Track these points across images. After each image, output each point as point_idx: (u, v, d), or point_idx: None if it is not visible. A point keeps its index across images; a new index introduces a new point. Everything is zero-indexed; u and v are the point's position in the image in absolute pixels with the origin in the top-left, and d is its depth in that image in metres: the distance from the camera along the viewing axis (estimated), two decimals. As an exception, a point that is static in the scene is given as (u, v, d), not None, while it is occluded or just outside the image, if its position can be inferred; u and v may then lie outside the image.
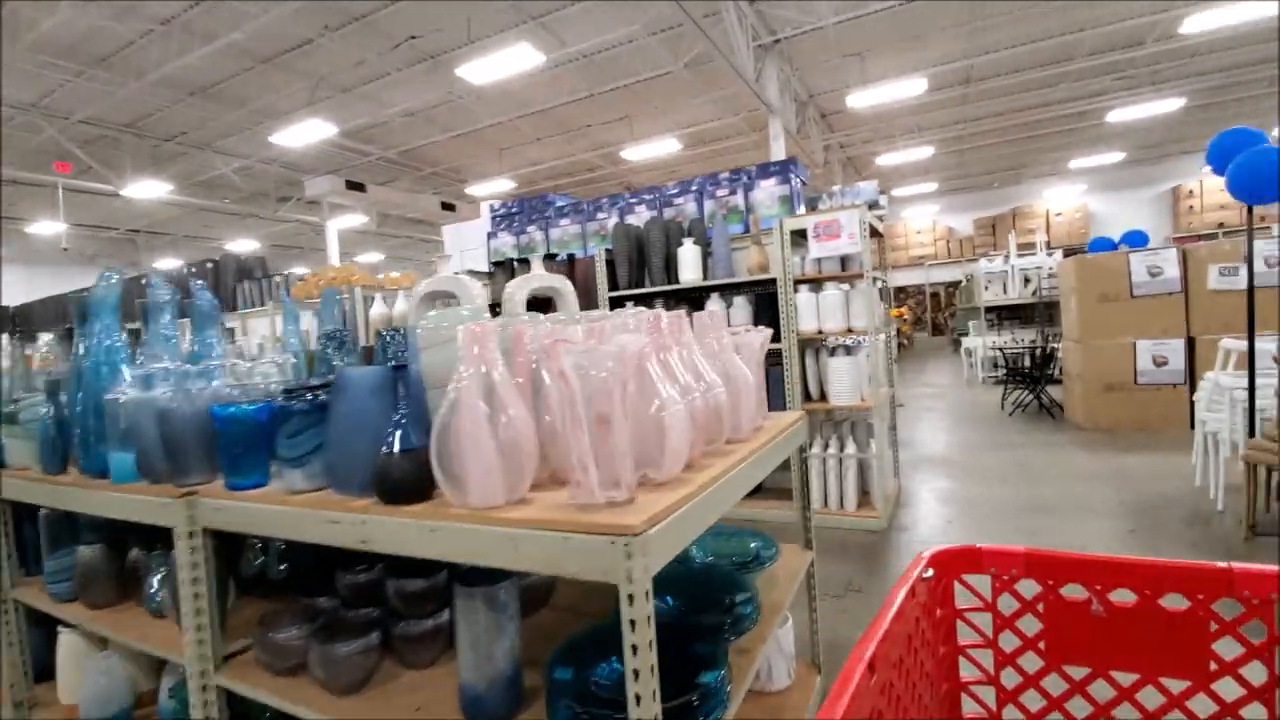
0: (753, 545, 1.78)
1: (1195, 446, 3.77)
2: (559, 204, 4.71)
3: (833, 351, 3.58)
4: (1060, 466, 4.51)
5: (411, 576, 1.33)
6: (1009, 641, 0.90)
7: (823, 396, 3.60)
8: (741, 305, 3.72)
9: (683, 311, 1.33)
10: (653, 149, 10.86)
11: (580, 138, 11.19)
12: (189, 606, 1.40)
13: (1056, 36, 8.78)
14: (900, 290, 17.92)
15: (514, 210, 4.86)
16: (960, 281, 14.56)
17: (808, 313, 3.49)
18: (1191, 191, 14.87)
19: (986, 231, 16.38)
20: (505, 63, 6.98)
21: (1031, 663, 0.89)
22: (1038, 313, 8.84)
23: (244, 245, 14.80)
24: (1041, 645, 0.88)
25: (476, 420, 1.00)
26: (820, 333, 3.49)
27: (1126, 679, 0.84)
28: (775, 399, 3.60)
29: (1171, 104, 10.57)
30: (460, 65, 7.28)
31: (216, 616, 1.43)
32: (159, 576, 1.69)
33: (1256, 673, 0.77)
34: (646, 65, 8.58)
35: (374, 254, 18.57)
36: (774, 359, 3.60)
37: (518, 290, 1.66)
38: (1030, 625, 0.89)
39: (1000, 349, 7.00)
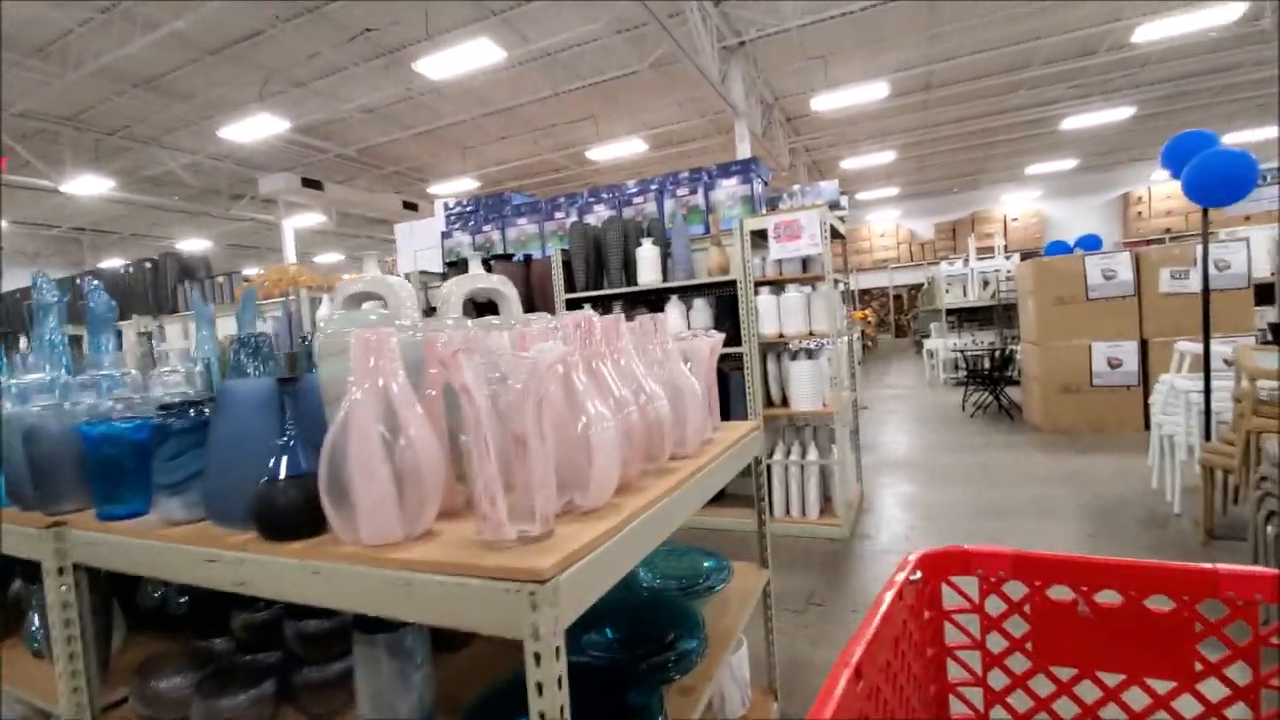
0: (705, 565, 1.66)
1: (1151, 449, 3.78)
2: (516, 202, 4.55)
3: (794, 355, 3.49)
4: (1020, 469, 4.50)
5: (314, 616, 1.18)
6: (996, 643, 0.89)
7: (784, 401, 3.51)
8: (701, 308, 3.61)
9: (620, 315, 1.20)
10: (618, 149, 10.74)
11: (545, 137, 11.01)
12: (62, 650, 1.22)
13: (1013, 45, 8.91)
14: (865, 293, 18.09)
15: (470, 209, 4.68)
16: (922, 284, 14.75)
17: (769, 315, 3.39)
18: (1140, 198, 15.33)
19: (947, 235, 16.65)
20: (465, 58, 6.79)
21: (1019, 664, 0.88)
22: (996, 315, 8.95)
23: (196, 244, 14.23)
24: (1029, 646, 0.88)
25: (369, 442, 0.85)
26: (781, 336, 3.40)
27: (1113, 679, 0.83)
28: (737, 404, 3.50)
29: (1122, 112, 10.82)
30: (419, 60, 7.05)
31: (95, 660, 1.25)
32: (39, 613, 1.50)
33: (1240, 674, 0.77)
34: (611, 64, 8.45)
35: (334, 254, 18.08)
36: (735, 363, 3.50)
37: (453, 292, 1.52)
38: (1017, 626, 0.88)
39: (961, 351, 7.04)
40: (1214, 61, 10.00)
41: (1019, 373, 6.62)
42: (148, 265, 5.72)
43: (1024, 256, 9.58)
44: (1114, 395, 5.32)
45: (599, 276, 3.83)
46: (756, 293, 3.42)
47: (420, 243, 4.81)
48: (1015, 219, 16.00)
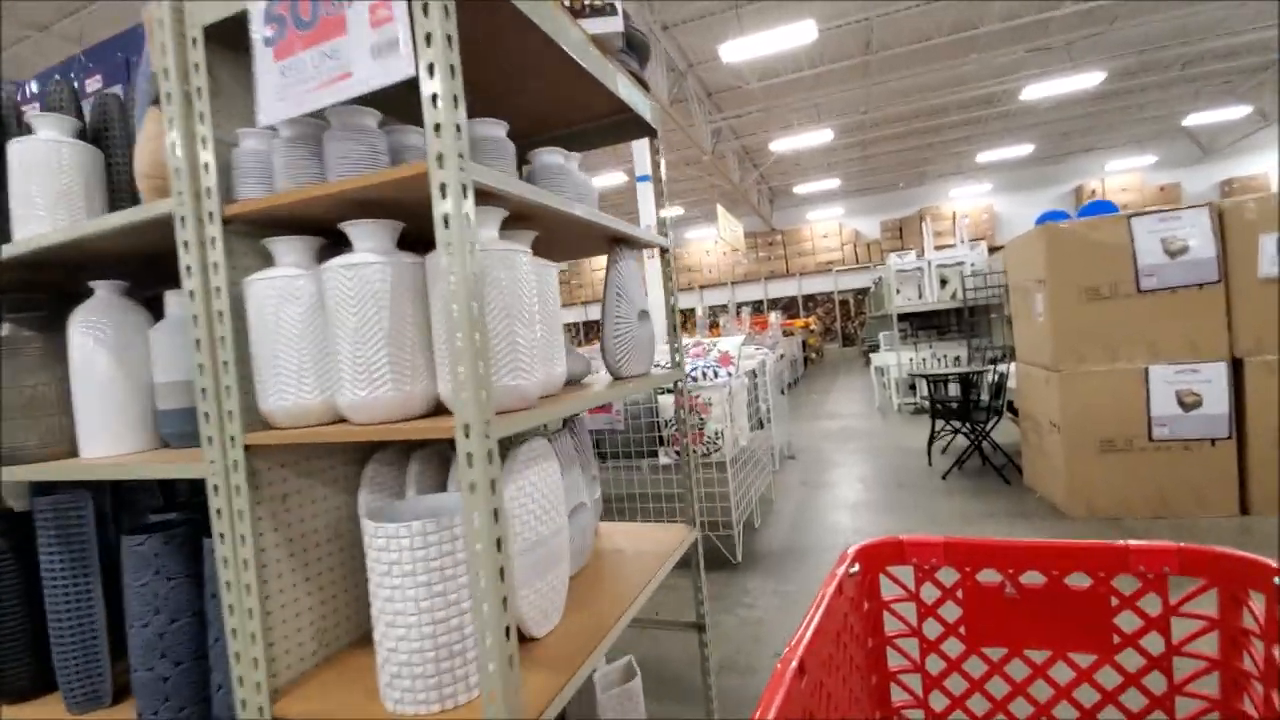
0: None
1: None
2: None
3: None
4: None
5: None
6: (933, 630, 0.87)
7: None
8: (175, 314, 1.08)
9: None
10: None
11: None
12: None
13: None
14: (809, 298, 15.89)
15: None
16: (869, 288, 12.51)
17: (271, 342, 0.86)
18: (1094, 190, 13.60)
19: (894, 234, 14.53)
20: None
21: (954, 648, 0.86)
22: (961, 321, 6.63)
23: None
24: (962, 630, 0.86)
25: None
26: (343, 420, 0.88)
27: (1040, 657, 0.83)
28: (217, 668, 0.96)
29: (1091, 78, 8.69)
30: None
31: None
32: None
33: (1154, 644, 0.76)
34: (451, -3, 5.92)
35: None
36: (197, 510, 0.97)
37: None
38: (951, 612, 0.86)
39: (921, 375, 4.65)
40: (1185, 21, 8.00)
41: (1009, 405, 4.26)
42: None
43: (993, 249, 7.31)
44: (1189, 456, 2.94)
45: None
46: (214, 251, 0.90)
47: None
48: (965, 215, 13.93)
